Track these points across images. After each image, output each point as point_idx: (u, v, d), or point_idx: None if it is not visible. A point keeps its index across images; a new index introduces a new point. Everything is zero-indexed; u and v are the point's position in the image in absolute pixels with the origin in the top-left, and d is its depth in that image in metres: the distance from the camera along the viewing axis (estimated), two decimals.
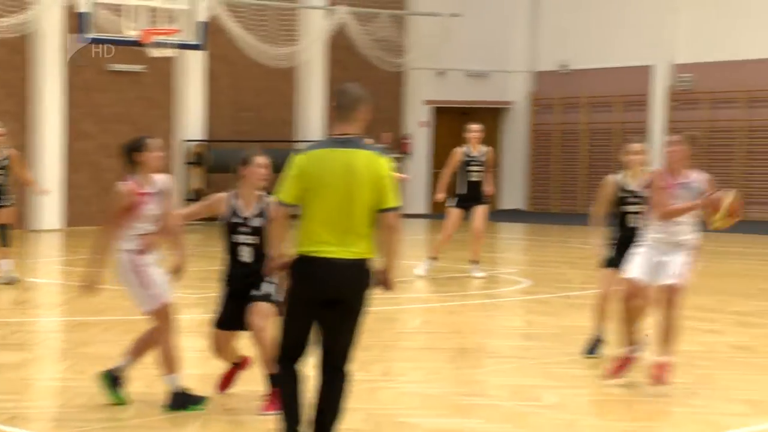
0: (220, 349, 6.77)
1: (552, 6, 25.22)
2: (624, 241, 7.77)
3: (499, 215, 23.94)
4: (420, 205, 24.73)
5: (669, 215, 7.03)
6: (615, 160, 23.47)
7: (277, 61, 21.92)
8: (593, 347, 8.10)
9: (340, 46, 23.20)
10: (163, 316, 6.58)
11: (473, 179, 12.65)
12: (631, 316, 7.25)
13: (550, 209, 24.83)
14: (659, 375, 6.96)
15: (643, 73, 23.77)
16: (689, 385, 7.36)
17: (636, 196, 7.95)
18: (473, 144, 12.69)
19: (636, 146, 8.06)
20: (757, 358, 8.31)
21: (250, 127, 22.68)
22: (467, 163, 12.62)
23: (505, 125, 26.07)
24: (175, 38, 17.08)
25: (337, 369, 5.36)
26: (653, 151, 23.51)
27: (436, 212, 24.70)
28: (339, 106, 5.32)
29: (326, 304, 5.21)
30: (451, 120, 25.47)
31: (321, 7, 23.04)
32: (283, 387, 5.42)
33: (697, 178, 7.12)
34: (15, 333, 9.37)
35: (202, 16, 17.60)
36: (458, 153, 12.69)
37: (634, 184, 7.93)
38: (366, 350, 8.67)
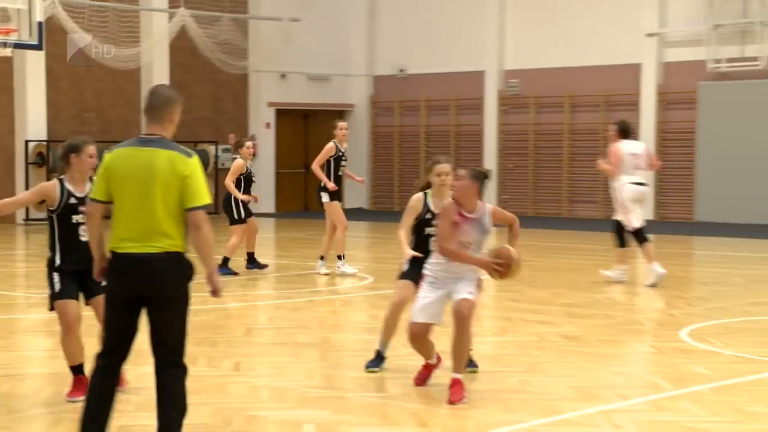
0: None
1: (389, 13, 25.63)
2: (424, 258, 7.20)
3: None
4: (268, 205, 24.71)
5: (451, 256, 6.71)
6: (454, 158, 23.97)
7: (119, 62, 21.54)
8: (375, 362, 7.61)
9: (183, 48, 22.98)
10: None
11: (341, 174, 12.77)
12: (420, 350, 7.11)
13: (393, 208, 25.20)
14: (454, 393, 6.64)
15: (476, 78, 24.41)
16: (522, 372, 7.66)
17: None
18: (341, 140, 12.81)
19: (445, 167, 7.42)
20: (585, 347, 8.69)
21: (94, 127, 22.22)
22: (338, 159, 12.73)
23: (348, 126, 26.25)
24: (12, 38, 16.61)
25: (171, 365, 5.36)
26: (483, 157, 24.35)
27: (281, 211, 24.77)
28: (149, 107, 5.37)
29: (142, 300, 5.26)
30: (293, 122, 25.57)
31: (161, 10, 22.75)
32: (93, 380, 5.42)
33: (484, 211, 6.81)
34: None
35: (40, 16, 17.16)
36: (332, 148, 12.71)
37: (439, 206, 7.24)
38: (215, 346, 8.71)
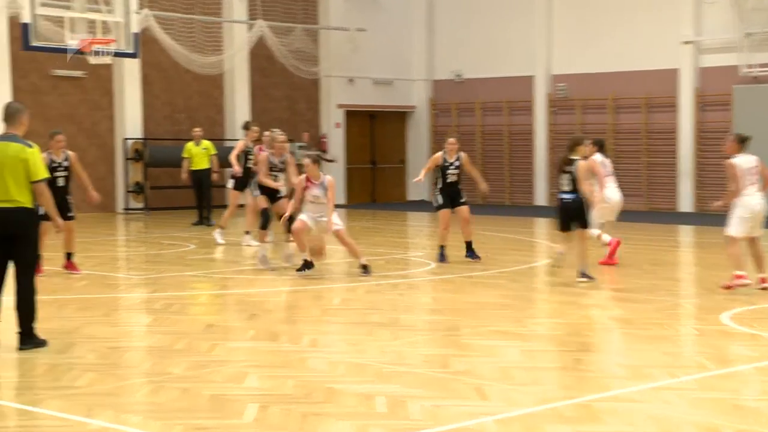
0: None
1: (446, 22, 25.47)
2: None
3: (408, 206, 24.13)
4: (339, 197, 24.71)
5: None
6: (506, 156, 23.59)
7: (205, 69, 21.70)
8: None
9: (261, 56, 23.09)
10: None
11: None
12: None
13: None
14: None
15: (527, 82, 24.15)
16: (575, 352, 7.51)
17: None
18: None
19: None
20: (633, 329, 8.50)
21: (183, 126, 22.42)
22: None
23: (410, 126, 26.24)
24: (112, 47, 16.78)
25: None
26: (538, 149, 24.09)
27: (351, 203, 24.73)
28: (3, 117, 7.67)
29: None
30: (361, 122, 25.55)
31: (242, 21, 22.87)
32: None
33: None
34: None
35: (135, 27, 17.34)
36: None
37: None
38: (295, 324, 8.68)
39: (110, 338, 7.98)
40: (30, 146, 7.50)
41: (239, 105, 23.27)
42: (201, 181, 18.11)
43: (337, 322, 8.92)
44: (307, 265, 11.36)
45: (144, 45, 19.45)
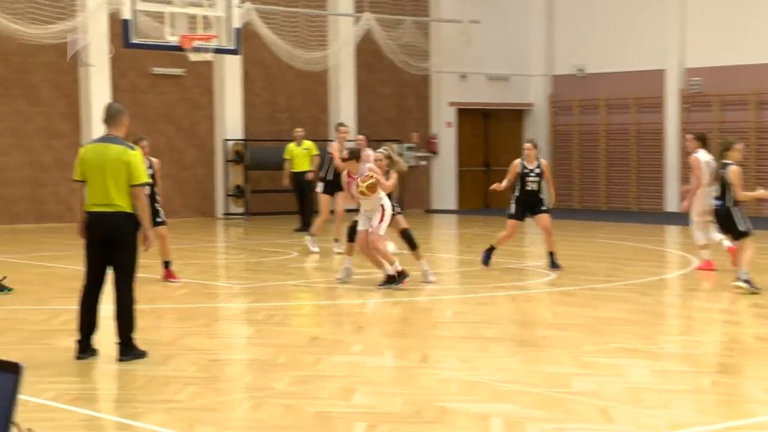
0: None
1: (567, 12, 25.17)
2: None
3: None
4: (450, 202, 24.79)
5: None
6: (633, 158, 23.13)
7: (309, 65, 22.00)
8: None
9: (368, 51, 23.27)
10: None
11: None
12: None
13: (573, 205, 24.78)
14: None
15: (656, 76, 23.68)
16: (713, 373, 7.32)
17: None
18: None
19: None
20: None
21: (286, 126, 22.76)
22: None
23: (526, 126, 26.04)
24: (212, 44, 17.14)
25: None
26: (667, 150, 23.57)
27: (462, 208, 24.73)
28: (103, 119, 7.87)
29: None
30: (474, 120, 25.49)
31: (348, 14, 23.10)
32: None
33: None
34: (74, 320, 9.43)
35: (237, 22, 17.66)
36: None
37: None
38: (404, 338, 8.72)
39: (210, 350, 8.17)
40: (132, 148, 7.70)
41: (344, 103, 23.51)
42: (303, 185, 18.28)
43: (449, 336, 8.92)
44: (401, 275, 11.09)
45: (245, 40, 19.84)
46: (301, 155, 18.44)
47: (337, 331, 9.39)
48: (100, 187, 7.58)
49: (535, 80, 25.70)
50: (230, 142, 22.17)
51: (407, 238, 11.85)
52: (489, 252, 13.02)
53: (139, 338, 7.78)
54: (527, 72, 25.58)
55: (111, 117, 7.81)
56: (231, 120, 22.17)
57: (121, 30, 16.85)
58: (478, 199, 25.52)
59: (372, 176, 11.16)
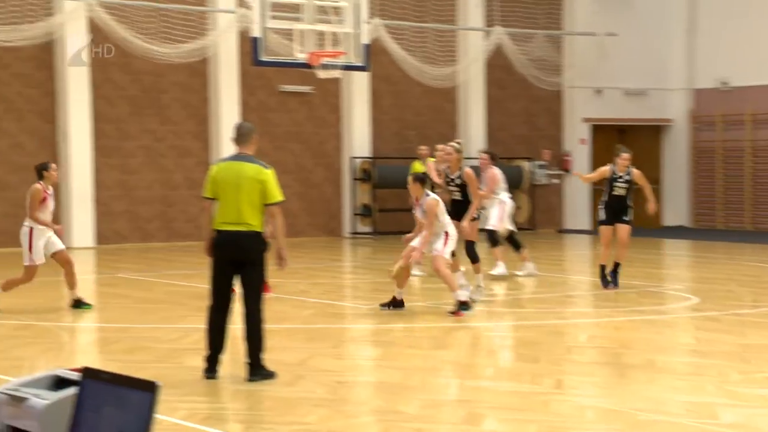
0: None
1: (710, 23, 24.53)
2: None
3: (663, 232, 23.39)
4: (583, 221, 24.45)
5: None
6: None
7: (437, 81, 22.09)
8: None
9: (497, 66, 23.22)
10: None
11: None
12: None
13: (716, 226, 24.11)
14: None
15: None
16: None
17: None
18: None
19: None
20: None
21: (414, 143, 22.86)
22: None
23: (665, 142, 25.49)
24: (341, 60, 17.36)
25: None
26: None
27: (596, 228, 24.32)
28: (234, 137, 7.98)
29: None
30: (609, 137, 25.08)
31: (478, 29, 23.09)
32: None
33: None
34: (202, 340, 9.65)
35: (365, 38, 17.85)
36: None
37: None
38: (536, 362, 8.62)
39: (338, 371, 8.23)
40: (266, 167, 7.80)
41: (473, 120, 23.49)
42: None
43: (584, 361, 8.77)
44: (463, 305, 10.80)
45: (373, 56, 20.04)
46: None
47: (469, 354, 9.34)
48: (232, 205, 7.65)
49: (675, 94, 25.14)
50: (357, 160, 22.40)
51: (469, 251, 11.94)
52: (614, 273, 12.85)
53: (268, 358, 7.91)
54: (666, 86, 25.05)
55: (242, 135, 7.92)
56: (358, 137, 22.41)
57: (250, 48, 17.25)
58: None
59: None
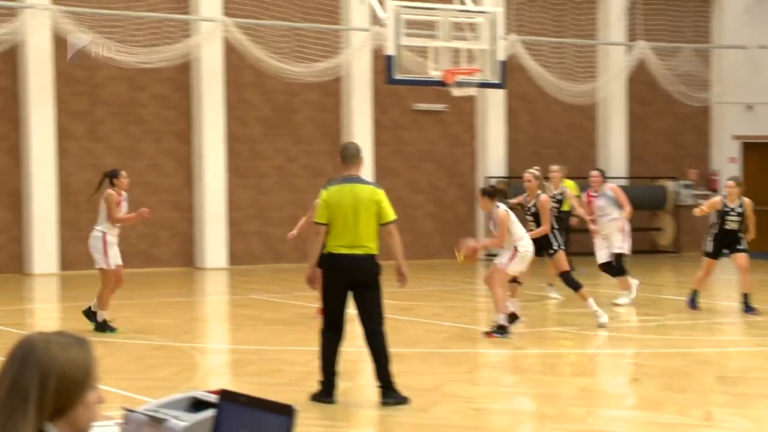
0: None
1: None
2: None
3: None
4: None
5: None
6: None
7: (576, 98, 21.85)
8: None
9: (640, 82, 22.83)
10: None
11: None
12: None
13: None
14: None
15: None
16: None
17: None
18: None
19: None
20: None
21: (551, 163, 22.63)
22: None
23: None
24: (476, 77, 17.34)
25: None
26: None
27: (751, 251, 23.57)
28: (343, 158, 8.03)
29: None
30: (761, 156, 24.33)
31: (620, 43, 22.76)
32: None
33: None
34: (342, 362, 9.75)
35: (502, 55, 17.79)
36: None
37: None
38: (684, 393, 8.39)
39: (474, 398, 8.19)
40: (378, 187, 7.94)
41: (614, 138, 23.14)
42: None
43: (737, 392, 8.49)
44: (501, 329, 10.77)
45: (509, 73, 19.97)
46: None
47: (609, 382, 9.17)
48: (350, 229, 7.70)
49: None
50: (492, 180, 22.30)
51: (567, 280, 11.70)
52: (693, 296, 12.96)
53: (401, 383, 7.92)
54: None
55: (351, 157, 7.95)
56: (493, 156, 22.34)
57: (384, 66, 17.41)
58: (766, 241, 24.25)
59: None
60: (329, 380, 7.82)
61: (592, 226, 14.06)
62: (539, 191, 12.10)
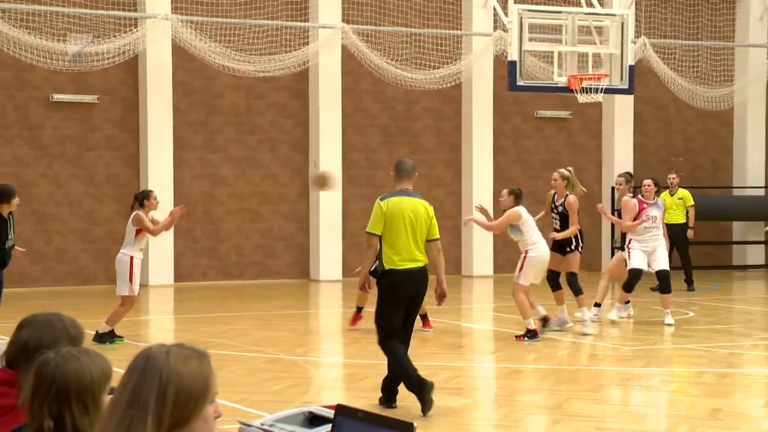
0: None
1: None
2: None
3: None
4: None
5: None
6: None
7: (711, 103, 21.42)
8: None
9: None
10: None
11: None
12: None
13: None
14: None
15: None
16: None
17: None
18: None
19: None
20: None
21: (681, 172, 22.26)
22: None
23: None
24: (603, 83, 17.16)
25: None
26: None
27: None
28: (399, 172, 8.46)
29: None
30: None
31: (761, 45, 22.23)
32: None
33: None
34: (455, 378, 9.83)
35: (631, 59, 17.56)
36: None
37: None
38: None
39: (598, 417, 8.13)
40: (429, 203, 8.43)
41: (752, 146, 22.60)
42: (674, 239, 17.44)
43: None
44: (531, 333, 11.57)
45: (637, 78, 19.72)
46: (674, 205, 17.92)
47: (744, 403, 8.99)
48: (406, 242, 8.15)
49: None
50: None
51: (571, 282, 12.30)
52: None
53: (521, 401, 7.92)
54: None
55: (407, 171, 8.40)
56: (620, 165, 22.02)
57: (505, 72, 17.38)
58: None
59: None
60: (418, 383, 8.05)
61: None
62: (567, 191, 12.63)
